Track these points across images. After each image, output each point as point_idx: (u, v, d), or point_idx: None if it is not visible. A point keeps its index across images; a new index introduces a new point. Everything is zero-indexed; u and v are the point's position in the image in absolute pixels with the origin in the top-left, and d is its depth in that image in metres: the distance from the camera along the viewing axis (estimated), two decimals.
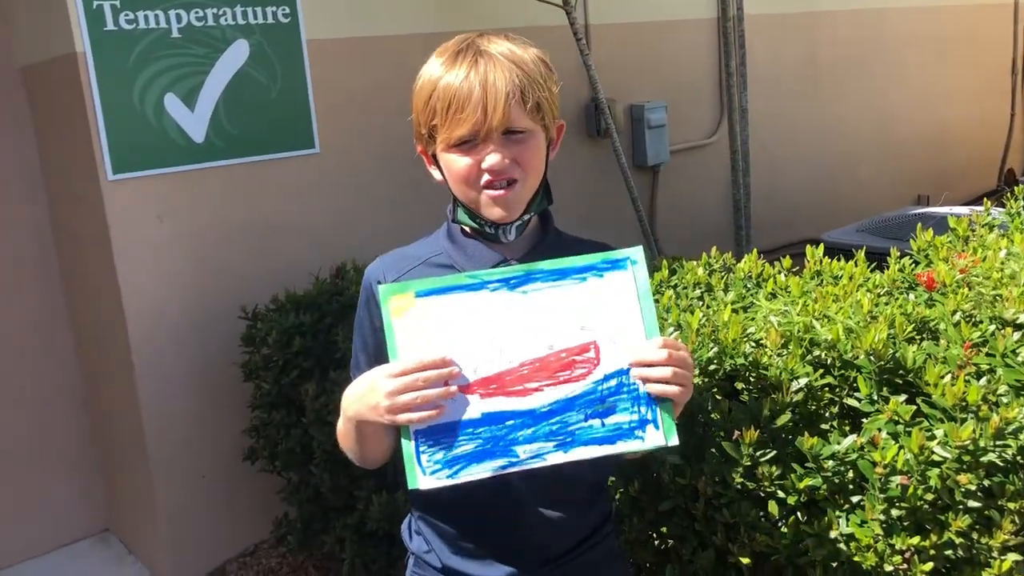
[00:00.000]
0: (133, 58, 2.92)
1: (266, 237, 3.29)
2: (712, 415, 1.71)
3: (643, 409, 1.29)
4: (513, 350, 1.30)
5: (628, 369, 1.29)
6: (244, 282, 3.20)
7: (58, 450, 3.52)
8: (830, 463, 1.56)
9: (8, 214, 3.31)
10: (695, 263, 2.48)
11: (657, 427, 1.28)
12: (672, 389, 1.26)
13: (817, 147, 5.61)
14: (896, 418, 1.57)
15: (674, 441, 1.28)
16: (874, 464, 1.50)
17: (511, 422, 1.28)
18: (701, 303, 2.25)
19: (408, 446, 1.27)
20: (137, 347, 3.04)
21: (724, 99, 3.32)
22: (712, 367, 1.84)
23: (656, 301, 2.22)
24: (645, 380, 1.27)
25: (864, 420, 1.68)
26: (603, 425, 1.29)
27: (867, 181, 6.05)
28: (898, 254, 2.41)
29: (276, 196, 3.31)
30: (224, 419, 3.21)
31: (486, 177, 1.32)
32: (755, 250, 2.49)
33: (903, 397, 1.66)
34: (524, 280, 1.31)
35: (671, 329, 1.96)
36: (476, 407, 1.29)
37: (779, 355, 1.79)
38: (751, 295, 2.24)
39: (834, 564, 1.59)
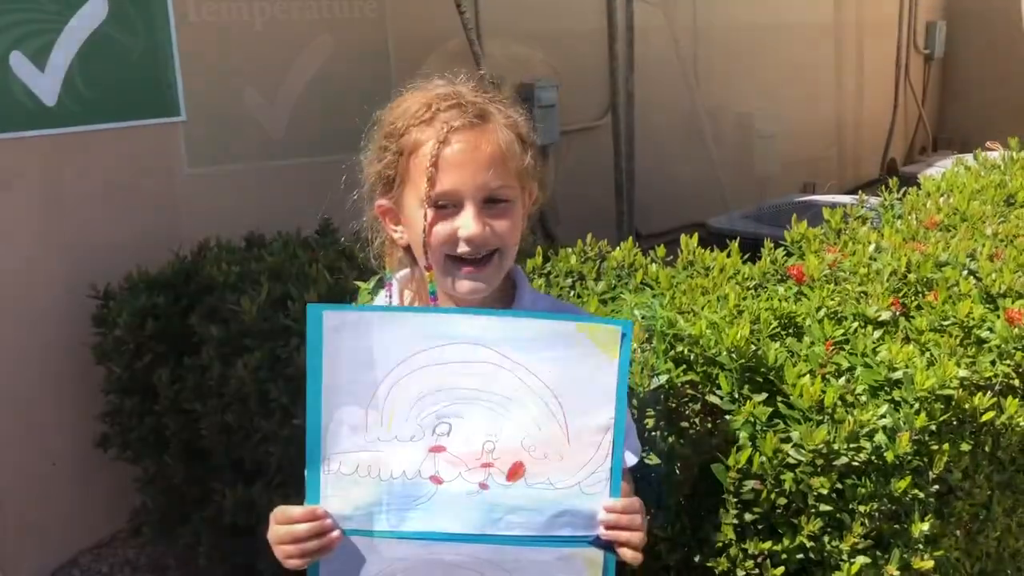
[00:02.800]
0: None
1: (125, 210, 3.06)
2: None
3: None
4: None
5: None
6: (99, 257, 2.97)
7: None
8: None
9: None
10: (570, 250, 2.41)
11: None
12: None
13: (709, 133, 5.62)
14: (753, 419, 1.53)
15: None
16: (727, 468, 1.46)
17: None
18: (572, 292, 2.18)
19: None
20: None
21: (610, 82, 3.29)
22: None
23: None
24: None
25: (728, 416, 1.64)
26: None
27: (760, 168, 6.11)
28: (772, 245, 2.39)
29: (137, 165, 3.09)
30: (77, 404, 2.99)
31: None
32: (630, 239, 2.43)
33: (763, 396, 1.62)
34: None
35: None
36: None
37: (642, 350, 1.73)
38: (622, 285, 2.18)
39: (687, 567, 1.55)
